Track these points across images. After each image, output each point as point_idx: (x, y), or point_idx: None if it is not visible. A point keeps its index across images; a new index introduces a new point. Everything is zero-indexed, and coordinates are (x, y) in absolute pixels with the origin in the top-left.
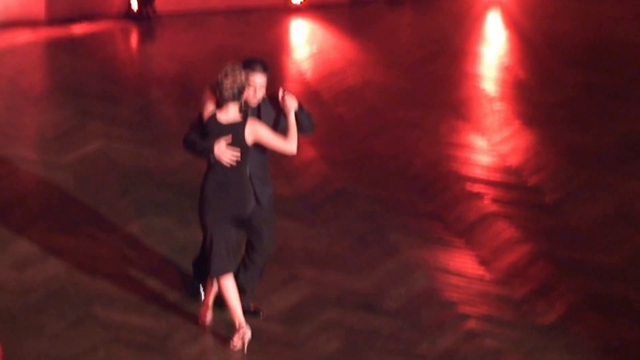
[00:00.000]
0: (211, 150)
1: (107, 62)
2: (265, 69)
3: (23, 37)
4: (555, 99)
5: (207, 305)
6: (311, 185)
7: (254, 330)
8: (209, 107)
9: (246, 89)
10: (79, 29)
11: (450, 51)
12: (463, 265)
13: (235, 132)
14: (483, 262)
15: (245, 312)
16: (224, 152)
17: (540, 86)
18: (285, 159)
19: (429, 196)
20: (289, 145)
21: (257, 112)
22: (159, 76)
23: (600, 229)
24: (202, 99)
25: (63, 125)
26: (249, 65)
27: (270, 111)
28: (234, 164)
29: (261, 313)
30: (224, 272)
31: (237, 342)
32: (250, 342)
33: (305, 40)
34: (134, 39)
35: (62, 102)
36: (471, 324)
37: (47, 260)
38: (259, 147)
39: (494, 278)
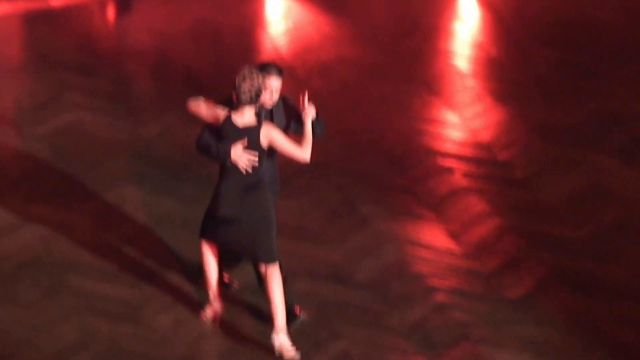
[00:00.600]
0: (228, 155)
1: (85, 34)
2: (281, 73)
3: (0, 9)
4: (527, 76)
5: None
6: (284, 158)
7: (225, 300)
8: (218, 110)
9: (263, 92)
10: (56, 1)
11: (423, 28)
12: (433, 238)
13: (251, 135)
14: (453, 236)
15: (220, 283)
16: (241, 156)
17: (512, 63)
18: None
19: (400, 170)
20: (302, 152)
21: (270, 115)
22: (135, 49)
23: (570, 204)
24: (200, 104)
25: (40, 96)
26: (264, 68)
27: (282, 114)
28: (250, 169)
29: (233, 285)
30: (206, 235)
31: (208, 313)
32: (222, 312)
33: (281, 16)
34: (111, 12)
35: (39, 73)
36: (440, 297)
37: (22, 229)
38: (269, 151)
39: (464, 251)
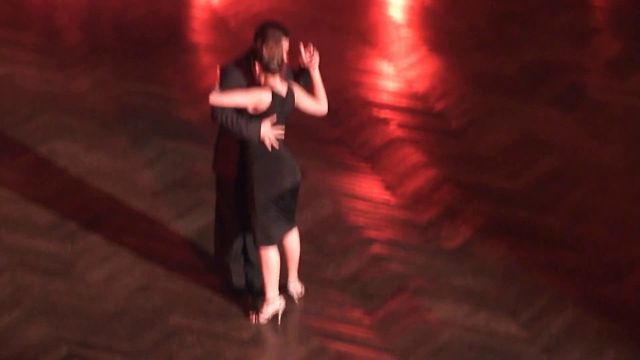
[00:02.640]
0: (258, 136)
1: None
2: (287, 34)
3: None
4: (462, 25)
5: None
6: None
7: (158, 258)
8: (258, 91)
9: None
10: None
11: None
12: (369, 190)
13: (290, 102)
14: (389, 187)
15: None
16: (269, 134)
17: (447, 13)
18: (190, 83)
19: (335, 122)
20: (322, 105)
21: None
22: (64, 2)
23: (505, 154)
24: (233, 94)
25: None
26: (278, 30)
27: (290, 73)
28: (276, 145)
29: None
30: (276, 241)
31: (266, 314)
32: (150, 265)
33: None
34: None
35: None
36: (376, 249)
37: None
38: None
39: (400, 203)
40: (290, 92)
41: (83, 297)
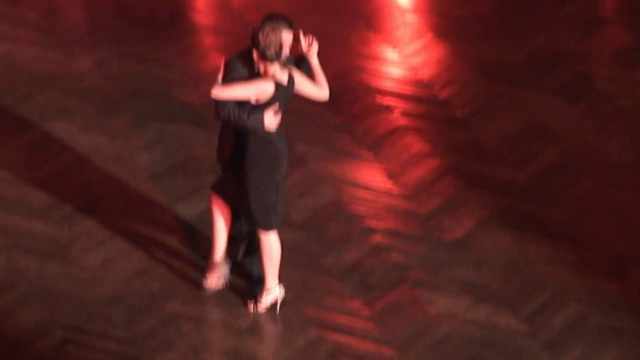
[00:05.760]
0: (262, 125)
1: None
2: (291, 25)
3: None
4: (468, 12)
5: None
6: None
7: (156, 243)
8: (259, 81)
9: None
10: None
11: None
12: (371, 178)
13: (290, 89)
14: (391, 176)
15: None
16: (272, 122)
17: None
18: (192, 65)
19: (337, 108)
20: (323, 91)
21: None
22: None
23: (509, 144)
24: (234, 87)
25: None
26: (281, 21)
27: (291, 60)
28: (277, 126)
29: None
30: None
31: (264, 303)
32: (148, 250)
33: None
34: None
35: None
36: (377, 238)
37: None
38: None
39: (402, 192)
40: (291, 79)
41: (79, 281)
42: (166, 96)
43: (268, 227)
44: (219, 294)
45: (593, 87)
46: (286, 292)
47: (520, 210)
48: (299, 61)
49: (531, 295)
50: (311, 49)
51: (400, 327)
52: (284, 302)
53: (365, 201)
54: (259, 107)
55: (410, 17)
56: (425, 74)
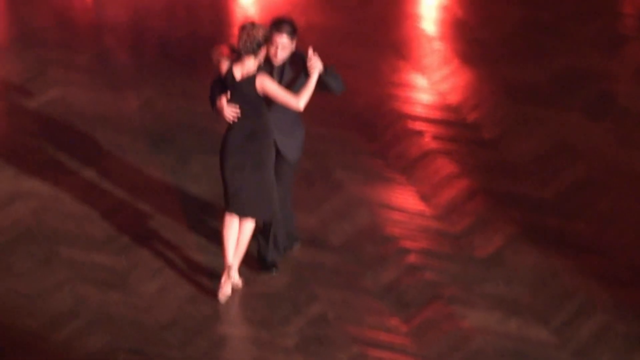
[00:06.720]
0: (213, 106)
1: (64, 11)
2: (292, 32)
3: None
4: (493, 36)
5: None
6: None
7: (205, 270)
8: (225, 63)
9: (265, 46)
10: None
11: None
12: (404, 201)
13: (248, 85)
14: (423, 198)
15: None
16: (225, 109)
17: (478, 24)
18: None
19: (371, 134)
20: (295, 100)
21: (281, 70)
22: (113, 24)
23: (536, 163)
24: (216, 57)
25: (25, 73)
26: (277, 24)
27: (293, 69)
28: (235, 119)
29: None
30: (229, 209)
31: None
32: (199, 277)
33: None
34: None
35: (22, 52)
36: (412, 258)
37: (14, 203)
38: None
39: (434, 213)
40: (248, 81)
41: (137, 307)
42: (209, 130)
43: (225, 207)
44: (264, 314)
45: (616, 104)
46: (328, 311)
47: (548, 226)
48: (325, 71)
49: (559, 307)
50: (311, 64)
51: (436, 341)
52: (326, 320)
53: (400, 223)
54: (230, 91)
55: (437, 45)
56: (454, 98)
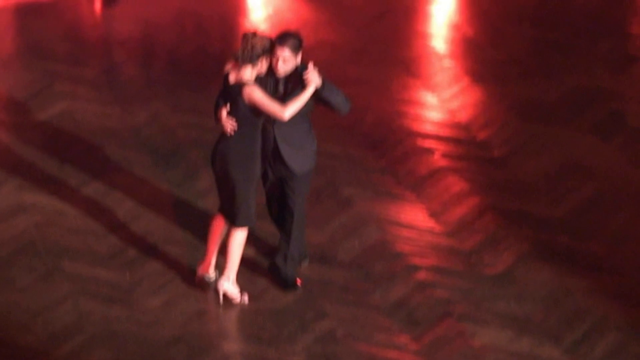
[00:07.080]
0: (216, 119)
1: (73, 25)
2: (295, 46)
3: None
4: (503, 55)
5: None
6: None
7: (212, 285)
8: (227, 66)
9: (266, 57)
10: None
11: (400, 10)
12: (414, 218)
13: (236, 94)
14: (433, 215)
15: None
16: (224, 120)
17: (488, 43)
18: None
19: (381, 151)
20: (280, 110)
21: (285, 83)
22: (122, 38)
23: (546, 181)
24: (226, 69)
25: (32, 86)
26: (281, 37)
27: (294, 84)
28: (232, 132)
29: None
30: (249, 223)
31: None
32: (205, 293)
33: (261, 3)
34: (97, 3)
35: (30, 64)
36: (422, 275)
37: (17, 217)
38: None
39: (444, 230)
40: (235, 88)
41: (141, 323)
42: None
43: (249, 224)
44: (271, 332)
45: (626, 123)
46: (337, 328)
47: (559, 244)
48: (323, 86)
49: (572, 325)
50: (308, 78)
51: (447, 359)
52: (335, 338)
53: (409, 240)
54: (226, 98)
55: (448, 63)
56: (464, 116)
